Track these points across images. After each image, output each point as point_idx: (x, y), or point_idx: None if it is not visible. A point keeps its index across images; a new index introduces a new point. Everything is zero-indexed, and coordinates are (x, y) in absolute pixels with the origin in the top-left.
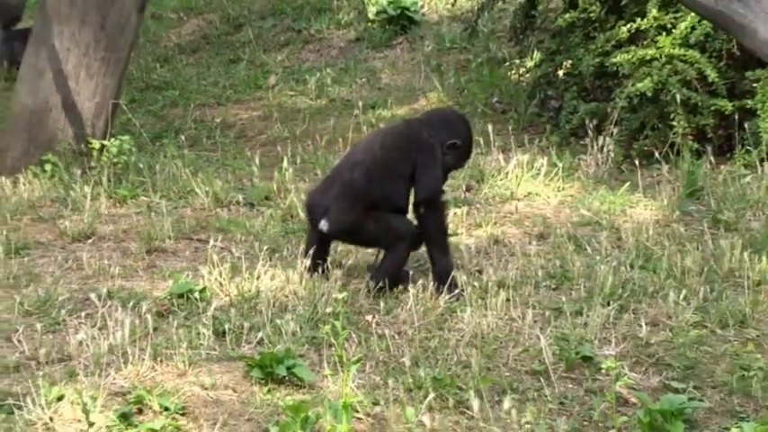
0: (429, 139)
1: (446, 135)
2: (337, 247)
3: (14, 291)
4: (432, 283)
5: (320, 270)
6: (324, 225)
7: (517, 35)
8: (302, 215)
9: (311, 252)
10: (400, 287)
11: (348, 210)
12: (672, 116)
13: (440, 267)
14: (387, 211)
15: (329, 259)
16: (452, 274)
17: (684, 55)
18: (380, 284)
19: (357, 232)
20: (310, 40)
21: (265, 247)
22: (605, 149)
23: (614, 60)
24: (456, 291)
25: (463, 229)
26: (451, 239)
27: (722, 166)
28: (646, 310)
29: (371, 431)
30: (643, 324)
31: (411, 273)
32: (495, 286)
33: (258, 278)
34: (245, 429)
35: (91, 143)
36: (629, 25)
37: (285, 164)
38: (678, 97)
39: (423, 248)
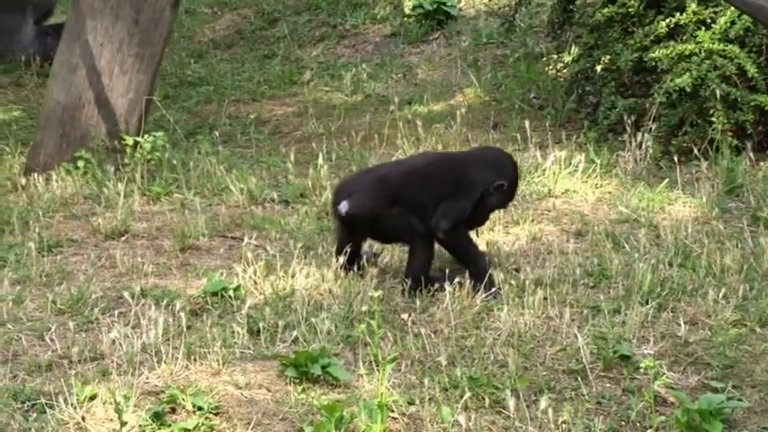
0: (472, 178)
1: (494, 176)
2: (373, 245)
3: (47, 289)
4: (468, 282)
5: (355, 268)
6: (343, 207)
7: (555, 30)
8: None
9: (347, 248)
10: (436, 285)
11: (373, 196)
12: (711, 112)
13: (474, 268)
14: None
15: (364, 257)
16: (489, 272)
17: (724, 50)
18: (415, 282)
19: (377, 220)
20: (345, 35)
21: (300, 245)
22: (644, 146)
23: (653, 55)
24: (493, 289)
25: (500, 227)
26: (488, 238)
27: (762, 163)
28: (684, 309)
29: (407, 431)
30: (682, 323)
31: (448, 271)
32: (533, 285)
33: (293, 276)
34: (279, 429)
35: (124, 140)
36: (668, 20)
37: (320, 160)
38: (717, 93)
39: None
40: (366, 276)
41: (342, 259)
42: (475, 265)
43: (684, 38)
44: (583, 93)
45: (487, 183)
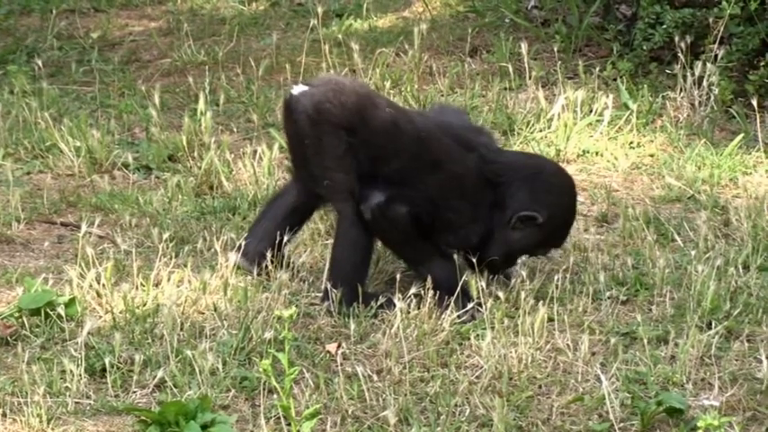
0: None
1: (522, 200)
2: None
3: None
4: (429, 292)
5: (258, 271)
6: (298, 90)
7: None
8: (226, 186)
9: (259, 232)
10: (380, 298)
11: (335, 102)
12: None
13: (434, 280)
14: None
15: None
16: (460, 279)
17: None
18: (348, 292)
19: (315, 133)
20: None
21: (168, 237)
22: (705, 83)
23: None
24: (469, 305)
25: None
26: None
27: None
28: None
29: None
30: (764, 358)
31: (399, 277)
32: (531, 298)
33: (157, 285)
34: None
35: None
36: None
37: (201, 104)
38: None
39: None
40: (272, 284)
41: (241, 263)
42: (435, 269)
43: None
44: (611, 0)
45: (512, 208)
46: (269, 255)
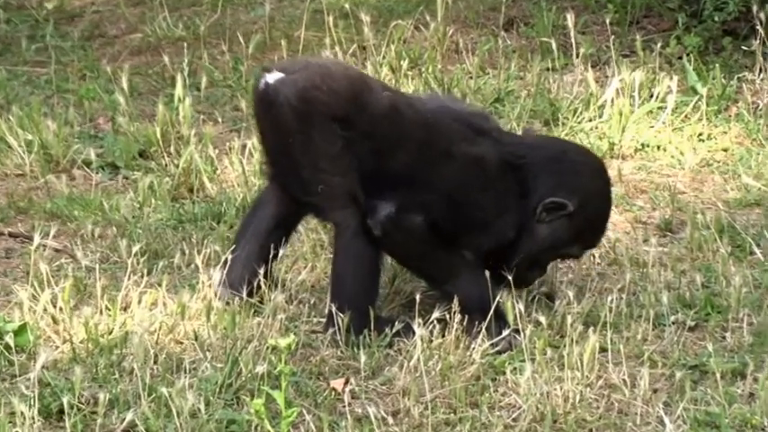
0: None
1: (548, 184)
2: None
3: None
4: (455, 316)
5: (248, 290)
6: (273, 77)
7: None
8: (209, 188)
9: (241, 257)
10: (396, 324)
11: (323, 88)
12: None
13: (464, 293)
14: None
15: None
16: (494, 301)
17: None
18: (358, 317)
19: (302, 127)
20: None
21: (139, 249)
22: None
23: None
24: (505, 332)
25: None
26: None
27: None
28: None
29: None
30: None
31: (419, 298)
32: (579, 324)
33: (126, 308)
34: None
35: None
36: None
37: (178, 88)
38: None
39: None
40: (266, 307)
41: (222, 293)
42: (463, 288)
43: None
44: None
45: (538, 193)
46: (256, 280)
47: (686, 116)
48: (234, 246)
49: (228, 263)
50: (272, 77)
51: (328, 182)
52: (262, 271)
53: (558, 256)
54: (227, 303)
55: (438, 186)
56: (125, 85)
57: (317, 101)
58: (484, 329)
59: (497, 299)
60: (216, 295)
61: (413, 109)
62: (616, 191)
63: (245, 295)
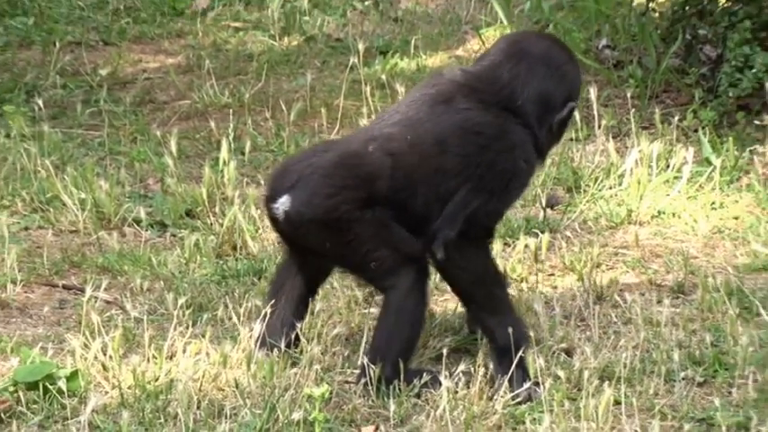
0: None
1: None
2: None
3: None
4: (480, 369)
5: (285, 342)
6: (284, 204)
7: None
8: (251, 246)
9: (278, 304)
10: (425, 376)
11: (335, 189)
12: None
13: (499, 338)
14: (398, 220)
15: (303, 324)
16: (521, 349)
17: None
18: (391, 370)
19: (337, 231)
20: None
21: (184, 303)
22: None
23: None
24: (526, 384)
25: (539, 275)
26: (515, 292)
27: None
28: None
29: None
30: None
31: (446, 351)
32: (595, 378)
33: (171, 357)
34: None
35: None
36: None
37: (224, 152)
38: None
39: None
40: (302, 359)
41: (261, 326)
42: (504, 322)
43: None
44: (693, 39)
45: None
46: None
47: (700, 186)
48: (271, 301)
49: (267, 317)
50: (283, 203)
51: (377, 258)
52: (299, 325)
53: None
54: (267, 355)
55: (475, 172)
56: (173, 148)
57: (333, 208)
58: (505, 380)
59: (519, 353)
60: (256, 346)
61: (403, 142)
62: (633, 255)
63: (283, 346)
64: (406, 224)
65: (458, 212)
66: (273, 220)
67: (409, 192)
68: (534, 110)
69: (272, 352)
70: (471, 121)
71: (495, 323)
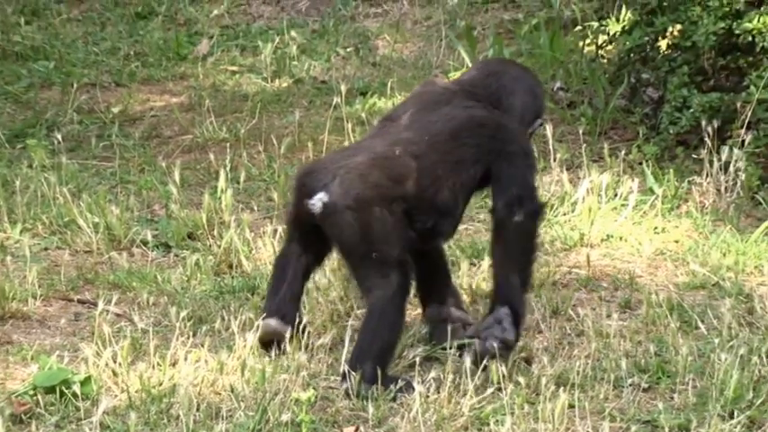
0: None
1: (536, 108)
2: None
3: None
4: (449, 376)
5: (279, 347)
6: (321, 198)
7: None
8: (245, 265)
9: (283, 283)
10: (399, 383)
11: (371, 185)
12: None
13: (509, 294)
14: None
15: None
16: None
17: None
18: (371, 374)
19: (363, 221)
20: None
21: (186, 315)
22: (732, 168)
23: (747, 26)
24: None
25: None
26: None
27: None
28: None
29: None
30: None
31: (418, 359)
32: (552, 384)
33: (174, 364)
34: None
35: None
36: None
37: (221, 182)
38: None
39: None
40: (291, 364)
41: (269, 322)
42: (524, 292)
43: None
44: (637, 83)
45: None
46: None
47: (645, 212)
48: (277, 280)
49: (270, 306)
50: (321, 198)
51: (381, 250)
52: (302, 299)
53: None
54: (275, 327)
55: (486, 156)
56: (177, 177)
57: (369, 202)
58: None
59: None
60: (267, 330)
61: (423, 144)
62: (585, 274)
63: (287, 336)
64: (433, 215)
65: (517, 187)
66: (306, 214)
67: (436, 187)
68: (514, 119)
69: (282, 320)
70: (476, 115)
71: (520, 304)
